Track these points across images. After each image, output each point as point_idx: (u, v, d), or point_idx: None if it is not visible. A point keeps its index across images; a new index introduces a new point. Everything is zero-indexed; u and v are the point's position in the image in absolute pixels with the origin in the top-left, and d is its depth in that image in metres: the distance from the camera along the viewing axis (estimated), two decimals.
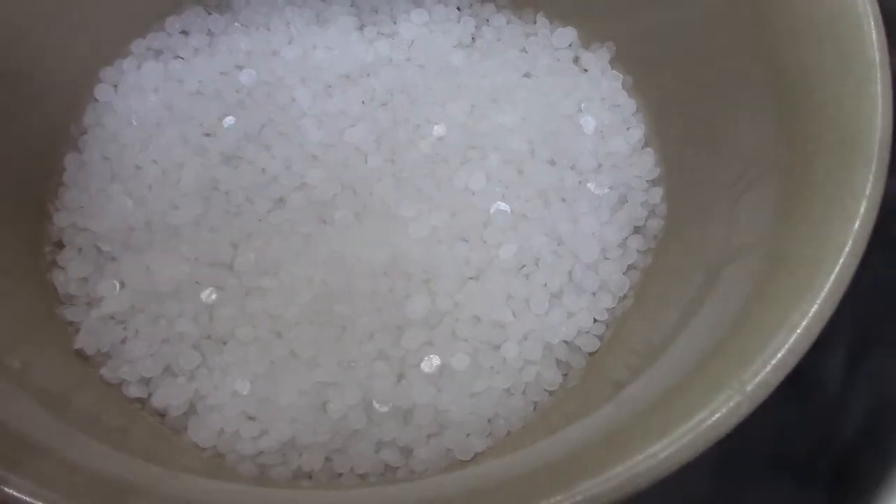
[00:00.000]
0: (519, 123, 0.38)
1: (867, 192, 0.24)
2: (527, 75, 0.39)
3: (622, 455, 0.23)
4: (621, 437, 0.24)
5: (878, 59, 0.25)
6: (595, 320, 0.35)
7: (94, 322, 0.35)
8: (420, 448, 0.33)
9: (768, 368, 0.23)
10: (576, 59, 0.40)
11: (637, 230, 0.36)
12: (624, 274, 0.36)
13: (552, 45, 0.40)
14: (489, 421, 0.33)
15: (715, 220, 0.32)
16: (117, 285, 0.36)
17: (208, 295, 0.35)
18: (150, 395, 0.34)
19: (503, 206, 0.36)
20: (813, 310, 0.23)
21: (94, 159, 0.38)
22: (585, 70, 0.40)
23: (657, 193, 0.37)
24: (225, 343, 0.35)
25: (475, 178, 0.37)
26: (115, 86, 0.39)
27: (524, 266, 0.36)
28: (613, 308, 0.35)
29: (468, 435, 0.33)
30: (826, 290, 0.23)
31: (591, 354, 0.35)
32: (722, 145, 0.32)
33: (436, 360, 0.34)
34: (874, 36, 0.26)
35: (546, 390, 0.34)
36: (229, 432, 0.33)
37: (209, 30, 0.41)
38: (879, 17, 0.26)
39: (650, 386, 0.26)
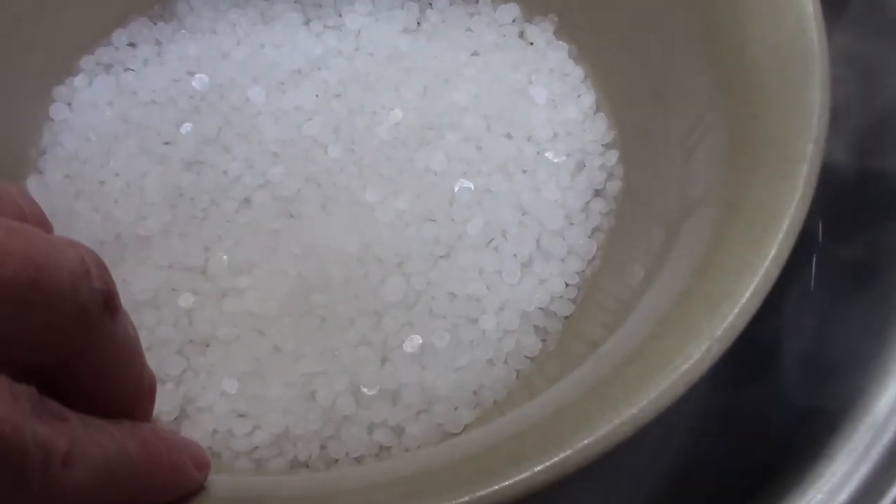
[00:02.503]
0: (472, 101, 0.39)
1: (813, 134, 0.25)
2: (475, 53, 0.40)
3: (605, 407, 0.24)
4: (603, 389, 0.25)
5: (810, 8, 0.27)
6: (567, 284, 0.36)
7: None
8: (411, 426, 0.33)
9: (735, 311, 0.24)
10: (521, 34, 0.41)
11: (597, 193, 0.37)
12: (589, 237, 0.37)
13: (496, 22, 0.41)
14: (475, 393, 0.34)
15: (670, 176, 0.33)
16: None
17: (185, 300, 0.36)
18: None
19: (466, 182, 0.37)
20: (772, 253, 0.24)
21: (56, 179, 0.38)
22: (531, 43, 0.41)
23: (613, 156, 0.38)
24: (208, 345, 0.35)
25: (435, 158, 0.37)
26: (69, 103, 0.40)
27: (492, 239, 0.36)
28: (583, 271, 0.36)
29: (456, 408, 0.34)
30: (783, 232, 0.25)
31: (566, 318, 0.36)
32: (669, 103, 0.33)
33: (417, 340, 0.34)
34: None
35: (527, 357, 0.35)
36: (222, 431, 0.34)
37: (156, 39, 0.41)
38: None
39: (625, 340, 0.27)
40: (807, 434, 0.31)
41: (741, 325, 0.24)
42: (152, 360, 0.34)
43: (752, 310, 0.24)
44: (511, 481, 0.23)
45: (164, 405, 0.34)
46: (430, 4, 0.42)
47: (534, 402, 0.27)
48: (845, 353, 0.33)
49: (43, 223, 0.22)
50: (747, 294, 0.24)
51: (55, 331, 0.18)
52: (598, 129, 0.38)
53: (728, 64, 0.29)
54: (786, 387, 0.35)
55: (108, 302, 0.19)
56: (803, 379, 0.35)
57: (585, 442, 0.23)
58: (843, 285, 0.36)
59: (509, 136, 0.38)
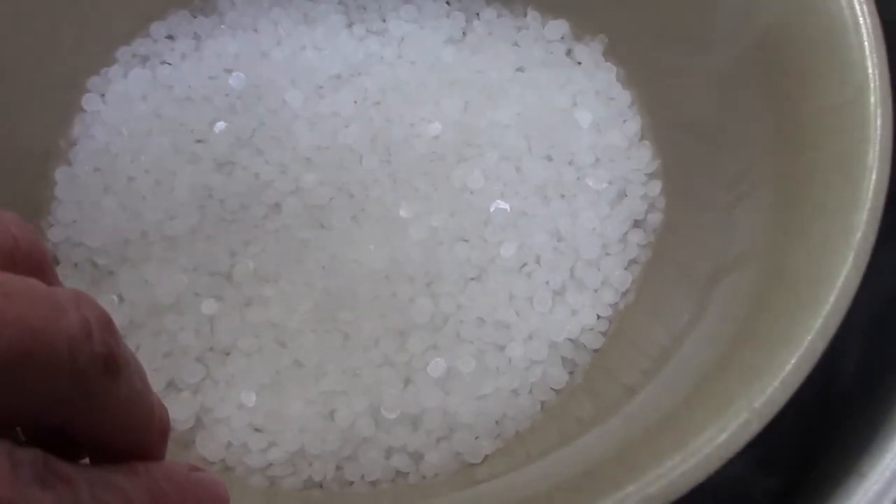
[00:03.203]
0: (514, 119, 0.37)
1: (868, 204, 0.24)
2: (520, 69, 0.39)
3: (635, 474, 0.23)
4: (633, 453, 0.24)
5: (877, 67, 0.25)
6: (598, 317, 0.35)
7: None
8: (430, 452, 0.33)
9: (775, 384, 0.23)
10: (568, 52, 0.40)
11: (637, 224, 0.36)
12: (625, 269, 0.36)
13: (544, 38, 0.40)
14: (497, 422, 0.33)
15: (713, 219, 0.31)
16: (116, 300, 0.35)
17: (208, 306, 0.35)
18: None
19: (502, 204, 0.36)
20: (817, 325, 0.23)
21: (85, 171, 0.38)
22: (579, 63, 0.39)
23: (656, 186, 0.36)
24: (228, 354, 0.35)
25: (473, 176, 0.36)
26: (103, 95, 0.39)
27: (525, 264, 0.35)
28: (616, 304, 0.35)
29: (477, 437, 0.33)
30: (829, 305, 0.23)
31: (595, 350, 0.35)
32: (720, 142, 0.32)
33: (442, 364, 0.34)
34: (871, 45, 0.25)
35: (553, 389, 0.34)
36: (237, 445, 0.33)
37: (195, 33, 0.40)
38: (878, 25, 0.25)
39: (659, 397, 0.26)
40: (840, 452, 0.30)
41: (783, 399, 0.23)
42: (171, 367, 0.34)
43: (796, 383, 0.23)
44: None
45: (180, 413, 0.34)
46: (477, 15, 0.40)
47: (562, 451, 0.27)
48: (881, 368, 0.32)
49: (39, 254, 0.21)
50: (789, 366, 0.23)
51: (51, 396, 0.17)
52: (642, 158, 0.37)
53: (785, 114, 0.28)
54: (819, 403, 0.34)
55: (110, 365, 0.18)
56: (836, 396, 0.34)
57: None
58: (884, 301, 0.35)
59: (550, 159, 0.37)
